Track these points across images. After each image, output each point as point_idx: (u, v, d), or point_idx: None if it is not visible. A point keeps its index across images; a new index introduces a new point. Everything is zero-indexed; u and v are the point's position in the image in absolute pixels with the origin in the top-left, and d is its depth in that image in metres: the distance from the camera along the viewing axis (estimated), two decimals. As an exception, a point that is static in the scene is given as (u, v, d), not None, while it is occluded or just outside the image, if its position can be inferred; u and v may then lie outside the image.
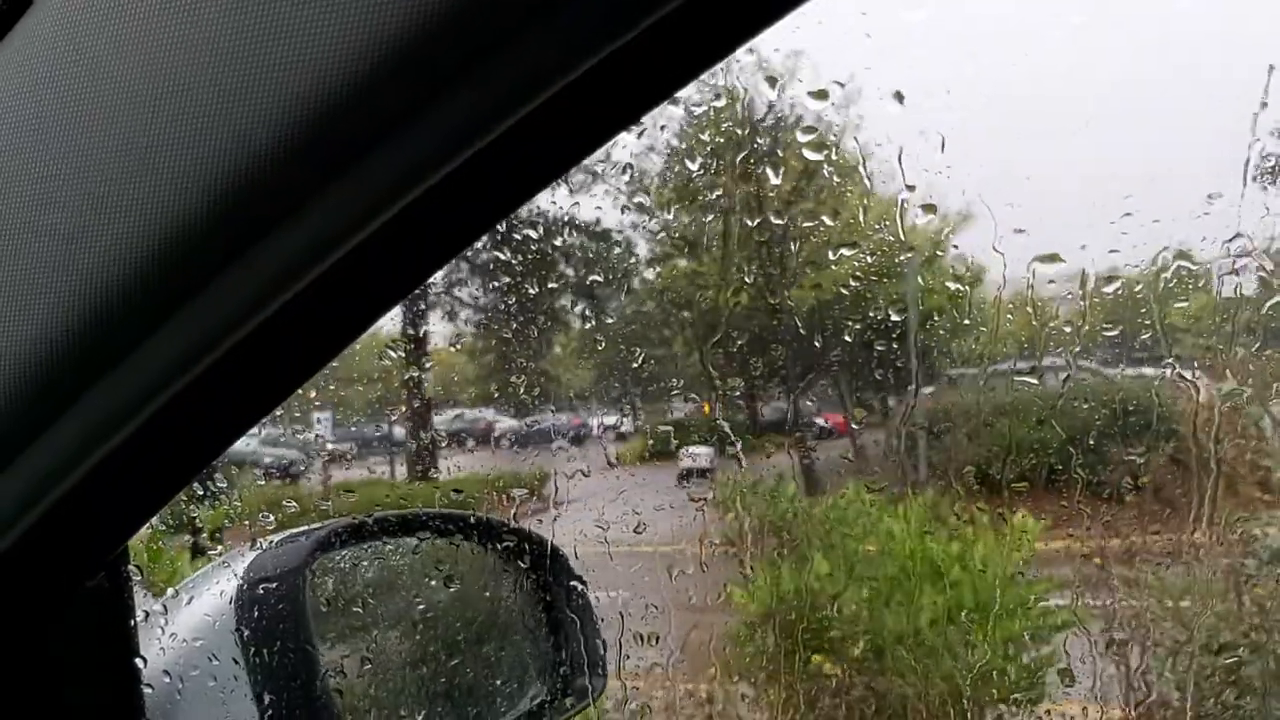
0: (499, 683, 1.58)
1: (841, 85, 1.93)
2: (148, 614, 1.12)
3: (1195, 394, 4.39)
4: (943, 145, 1.99)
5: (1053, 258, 2.24)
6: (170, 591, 1.21)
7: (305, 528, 1.30)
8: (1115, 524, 4.51)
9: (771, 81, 1.86)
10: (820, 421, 10.28)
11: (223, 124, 0.69)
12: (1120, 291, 2.86)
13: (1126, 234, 2.70)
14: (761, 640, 4.83)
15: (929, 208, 2.02)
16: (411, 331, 9.74)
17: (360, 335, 0.98)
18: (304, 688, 1.12)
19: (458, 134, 0.72)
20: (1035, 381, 3.52)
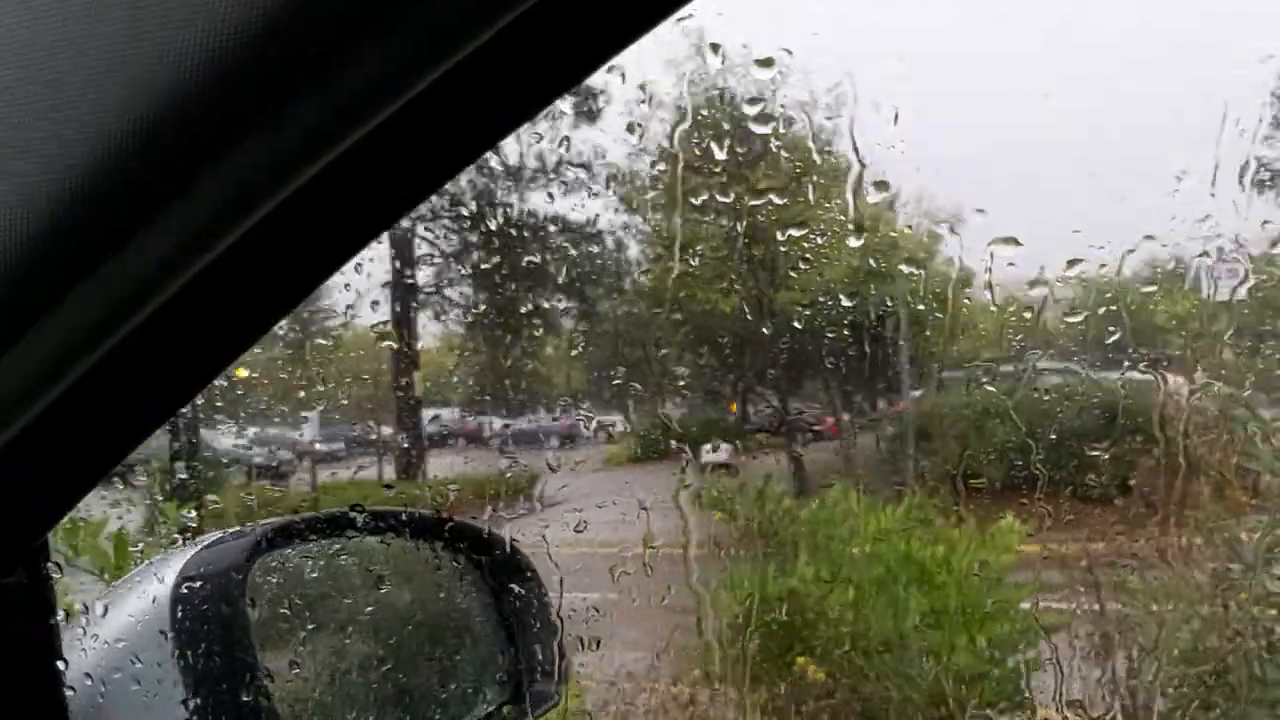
0: (453, 687, 1.54)
1: (790, 53, 1.89)
2: (68, 614, 1.08)
3: (1184, 396, 4.37)
4: (895, 118, 1.95)
5: (1011, 241, 2.18)
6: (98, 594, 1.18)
7: (238, 528, 1.27)
8: (1100, 527, 4.49)
9: (714, 48, 1.81)
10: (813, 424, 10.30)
11: (127, 65, 0.65)
12: (1082, 274, 2.80)
13: (1089, 213, 2.65)
14: (746, 643, 4.80)
15: (881, 184, 1.98)
16: (401, 332, 9.72)
17: (296, 304, 0.93)
18: (232, 691, 1.08)
19: (387, 80, 0.68)
20: (987, 381, 3.48)
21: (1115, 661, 4.23)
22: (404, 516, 1.33)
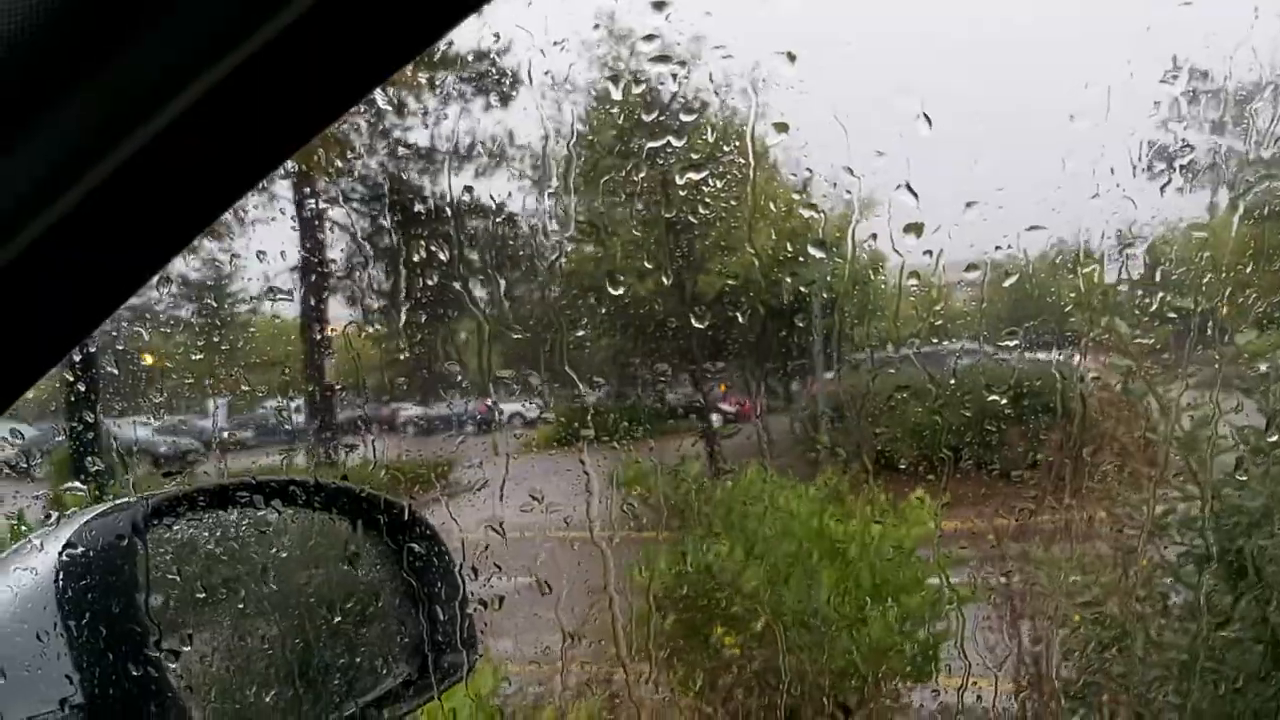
0: (357, 660, 1.51)
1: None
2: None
3: (1086, 375, 4.49)
4: (792, 58, 1.95)
5: (917, 228, 2.20)
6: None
7: (125, 500, 1.23)
8: (1010, 502, 4.60)
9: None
10: (725, 406, 10.44)
11: None
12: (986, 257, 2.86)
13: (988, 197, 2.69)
14: (663, 620, 4.82)
15: (780, 126, 1.98)
16: (314, 315, 9.56)
17: (176, 251, 0.90)
18: (122, 662, 1.05)
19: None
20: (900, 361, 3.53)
21: (1020, 631, 4.34)
22: (297, 486, 1.29)
